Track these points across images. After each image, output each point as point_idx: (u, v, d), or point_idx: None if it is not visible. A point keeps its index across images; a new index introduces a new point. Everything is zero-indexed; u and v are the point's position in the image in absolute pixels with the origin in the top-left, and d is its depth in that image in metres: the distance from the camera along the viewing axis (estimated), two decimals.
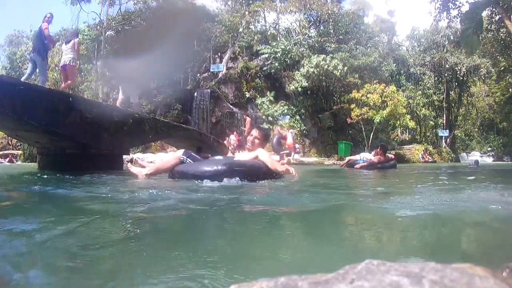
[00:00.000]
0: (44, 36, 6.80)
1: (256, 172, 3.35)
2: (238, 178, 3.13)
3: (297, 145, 14.83)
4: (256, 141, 3.69)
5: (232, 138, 14.37)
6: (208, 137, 10.42)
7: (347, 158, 9.82)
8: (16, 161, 15.08)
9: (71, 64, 7.22)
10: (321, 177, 5.49)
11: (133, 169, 3.61)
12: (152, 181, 3.38)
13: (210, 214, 1.79)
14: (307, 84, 18.36)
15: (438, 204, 1.99)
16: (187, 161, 3.53)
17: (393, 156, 9.13)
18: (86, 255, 1.05)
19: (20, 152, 15.86)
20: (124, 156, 11.34)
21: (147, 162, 10.94)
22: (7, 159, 15.09)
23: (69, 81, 7.36)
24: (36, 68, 7.07)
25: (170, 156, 3.77)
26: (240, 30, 21.72)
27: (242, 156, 3.76)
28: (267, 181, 3.31)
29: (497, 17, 14.48)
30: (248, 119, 14.47)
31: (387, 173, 6.69)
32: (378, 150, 8.34)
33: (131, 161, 10.82)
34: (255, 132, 3.76)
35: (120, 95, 7.76)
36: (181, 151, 3.67)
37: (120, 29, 20.85)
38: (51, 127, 4.44)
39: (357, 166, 8.00)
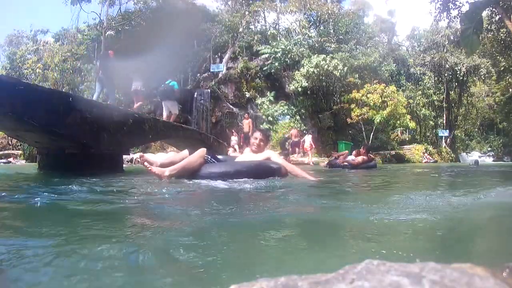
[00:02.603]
0: (110, 61, 8.44)
1: (275, 173, 3.50)
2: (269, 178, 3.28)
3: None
4: (262, 143, 3.76)
5: (234, 139, 14.36)
6: (208, 137, 10.42)
7: (328, 160, 10.04)
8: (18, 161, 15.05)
9: (141, 89, 9.00)
10: (320, 177, 5.48)
11: (155, 169, 3.17)
12: (184, 183, 3.08)
13: (213, 214, 1.79)
14: (307, 84, 18.34)
15: (437, 204, 1.99)
16: (211, 161, 3.41)
17: (373, 156, 9.41)
18: (88, 255, 1.05)
19: (20, 152, 15.85)
20: (136, 156, 11.47)
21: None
22: (11, 159, 15.05)
23: (138, 103, 8.94)
24: (103, 87, 8.52)
25: (193, 154, 3.35)
26: (240, 30, 21.71)
27: (251, 157, 3.72)
28: (277, 180, 3.37)
29: (497, 17, 14.48)
30: (248, 120, 14.53)
31: (385, 173, 6.69)
32: (361, 150, 8.44)
33: (131, 161, 10.81)
34: (259, 135, 3.82)
35: (164, 112, 9.21)
36: (204, 150, 3.43)
37: (120, 29, 20.83)
38: (51, 127, 4.43)
39: (351, 160, 8.09)
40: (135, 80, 8.99)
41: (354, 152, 8.85)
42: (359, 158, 8.10)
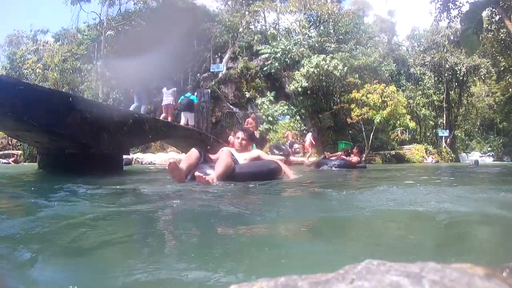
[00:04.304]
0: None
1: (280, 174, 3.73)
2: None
3: (296, 145, 14.90)
4: (244, 142, 3.82)
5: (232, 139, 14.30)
6: (208, 137, 10.42)
7: (316, 159, 10.08)
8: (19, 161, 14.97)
9: (171, 104, 10.28)
10: (319, 177, 5.49)
11: (208, 177, 2.93)
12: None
13: (212, 215, 1.79)
14: (307, 84, 18.33)
15: (437, 204, 1.99)
16: (236, 162, 3.40)
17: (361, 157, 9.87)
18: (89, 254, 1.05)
19: (20, 152, 15.83)
20: (136, 156, 11.78)
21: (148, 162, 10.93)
22: (12, 159, 14.97)
23: (169, 116, 10.09)
24: (141, 99, 9.98)
25: (226, 156, 3.22)
26: (240, 30, 21.68)
27: (238, 156, 3.73)
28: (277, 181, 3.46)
29: (497, 17, 14.47)
30: (250, 120, 14.51)
31: (380, 174, 6.69)
32: (355, 150, 8.56)
33: (130, 162, 10.86)
34: (241, 134, 3.86)
35: (182, 121, 10.29)
36: (229, 149, 3.41)
37: (120, 29, 20.81)
38: (51, 127, 4.43)
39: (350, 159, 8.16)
40: (167, 96, 10.33)
41: (342, 151, 8.94)
42: (355, 158, 8.25)
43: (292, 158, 12.30)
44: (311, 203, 2.32)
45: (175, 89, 10.64)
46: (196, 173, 2.92)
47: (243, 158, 3.65)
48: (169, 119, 9.92)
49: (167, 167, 3.08)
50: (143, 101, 9.82)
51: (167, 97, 10.28)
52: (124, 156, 8.71)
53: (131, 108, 9.06)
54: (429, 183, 4.05)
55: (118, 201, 2.15)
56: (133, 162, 11.07)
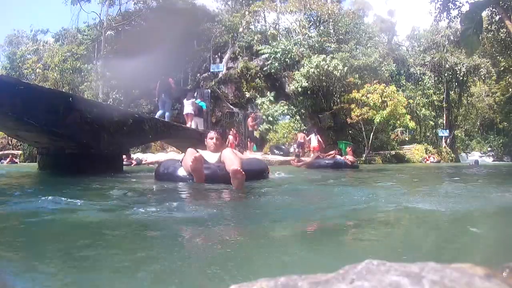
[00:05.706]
0: (172, 87, 11.01)
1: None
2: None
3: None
4: (218, 142, 3.81)
5: (230, 138, 14.38)
6: None
7: (308, 159, 10.03)
8: (18, 161, 14.93)
9: (191, 113, 11.51)
10: (318, 176, 5.48)
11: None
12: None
13: (213, 215, 1.79)
14: (307, 84, 18.31)
15: (437, 204, 1.99)
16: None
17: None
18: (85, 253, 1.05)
19: (20, 152, 15.82)
20: (135, 156, 11.95)
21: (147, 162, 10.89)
22: (8, 159, 14.94)
23: (189, 122, 11.39)
24: (165, 110, 10.67)
25: (233, 154, 3.24)
26: (240, 30, 21.68)
27: (213, 156, 3.62)
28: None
29: (497, 17, 14.47)
30: (250, 120, 14.70)
31: (376, 174, 6.68)
32: (349, 150, 8.62)
33: (140, 162, 10.91)
34: (214, 134, 3.81)
35: (192, 125, 11.27)
36: (229, 148, 3.51)
37: (120, 29, 20.81)
38: (51, 127, 4.43)
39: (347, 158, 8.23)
40: (187, 105, 11.64)
41: (336, 151, 8.97)
42: (351, 158, 8.35)
43: (288, 158, 12.33)
44: (310, 203, 2.32)
45: (193, 99, 12.18)
46: (233, 168, 2.82)
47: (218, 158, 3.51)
48: (189, 124, 11.33)
49: (191, 161, 2.93)
50: (167, 109, 10.70)
51: (188, 107, 11.70)
52: (135, 157, 9.23)
53: (157, 115, 9.95)
54: (428, 182, 4.05)
55: (119, 201, 2.15)
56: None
